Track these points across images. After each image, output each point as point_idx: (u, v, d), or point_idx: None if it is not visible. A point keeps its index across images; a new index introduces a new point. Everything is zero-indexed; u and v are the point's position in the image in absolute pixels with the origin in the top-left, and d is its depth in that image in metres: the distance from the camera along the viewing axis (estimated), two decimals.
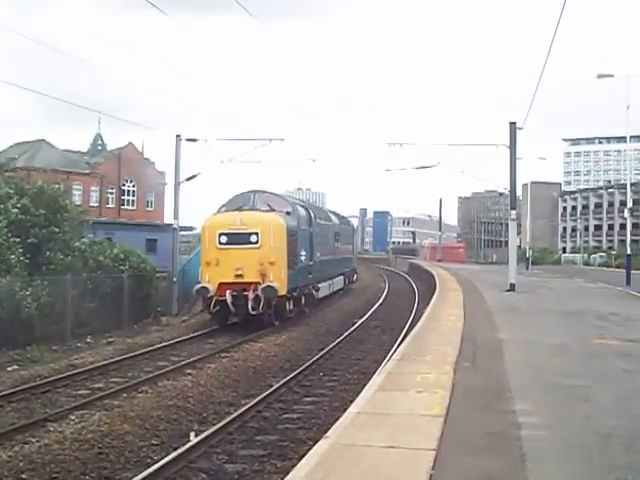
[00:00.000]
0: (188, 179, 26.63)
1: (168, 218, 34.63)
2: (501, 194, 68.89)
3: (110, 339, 18.96)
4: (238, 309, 19.13)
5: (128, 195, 61.16)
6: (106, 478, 7.93)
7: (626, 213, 37.86)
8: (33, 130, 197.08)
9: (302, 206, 24.73)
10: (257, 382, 13.05)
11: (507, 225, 29.66)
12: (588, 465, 5.09)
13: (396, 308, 26.27)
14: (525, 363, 9.37)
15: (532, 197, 57.02)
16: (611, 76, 30.35)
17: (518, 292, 23.00)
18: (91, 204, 52.16)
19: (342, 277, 32.28)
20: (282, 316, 20.34)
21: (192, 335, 18.95)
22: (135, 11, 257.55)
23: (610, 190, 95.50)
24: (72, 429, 9.61)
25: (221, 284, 19.11)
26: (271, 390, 11.82)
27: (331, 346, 16.62)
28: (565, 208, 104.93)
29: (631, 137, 41.76)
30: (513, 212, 25.64)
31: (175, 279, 25.51)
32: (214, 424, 9.78)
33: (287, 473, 5.13)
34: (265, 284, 18.99)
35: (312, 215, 24.69)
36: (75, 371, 13.91)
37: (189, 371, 13.81)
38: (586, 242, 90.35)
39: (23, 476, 7.83)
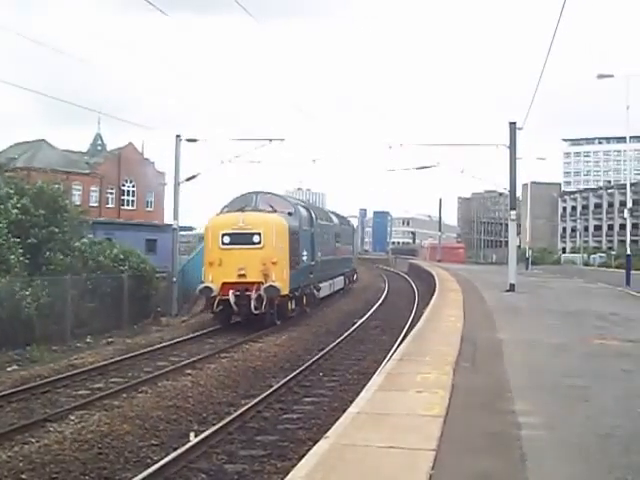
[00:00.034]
0: (188, 179, 26.63)
1: (168, 218, 34.60)
2: (501, 194, 69.00)
3: (110, 339, 18.98)
4: (241, 309, 19.21)
5: (128, 195, 61.09)
6: (106, 478, 7.93)
7: (626, 213, 37.89)
8: (33, 130, 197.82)
9: (303, 207, 24.82)
10: (257, 382, 13.05)
11: (507, 225, 29.62)
12: (588, 465, 5.09)
13: (396, 308, 26.28)
14: (525, 363, 9.37)
15: (532, 197, 57.00)
16: (611, 76, 30.39)
17: (518, 292, 23.00)
18: (91, 204, 52.11)
19: (342, 277, 32.36)
20: (284, 316, 20.43)
21: (192, 335, 18.97)
22: (135, 11, 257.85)
23: (610, 190, 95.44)
24: (72, 429, 9.61)
25: (224, 284, 19.21)
26: (271, 390, 11.82)
27: (331, 346, 16.63)
28: (565, 208, 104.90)
29: (631, 137, 41.75)
30: (513, 212, 25.63)
31: (175, 279, 25.54)
32: (214, 424, 9.78)
33: (287, 473, 5.13)
34: (268, 284, 19.09)
35: (313, 215, 24.78)
36: (75, 371, 13.91)
37: (189, 371, 13.81)
38: (586, 242, 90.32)
39: (23, 476, 7.83)
